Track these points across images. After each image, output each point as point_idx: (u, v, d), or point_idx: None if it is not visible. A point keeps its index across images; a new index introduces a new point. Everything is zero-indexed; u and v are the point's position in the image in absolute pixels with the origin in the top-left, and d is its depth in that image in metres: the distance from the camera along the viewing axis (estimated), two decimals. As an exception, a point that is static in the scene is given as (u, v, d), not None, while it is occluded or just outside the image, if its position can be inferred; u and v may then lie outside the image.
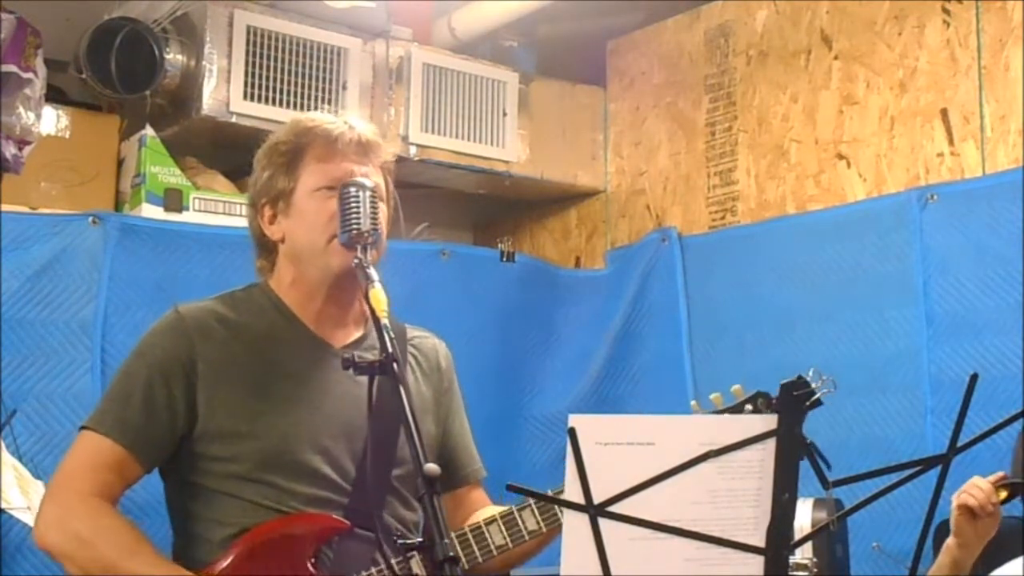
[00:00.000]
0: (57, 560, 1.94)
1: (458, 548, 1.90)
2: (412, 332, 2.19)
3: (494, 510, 2.05)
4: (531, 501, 1.96)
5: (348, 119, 2.10)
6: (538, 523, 1.96)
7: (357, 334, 2.09)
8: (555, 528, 1.96)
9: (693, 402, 2.02)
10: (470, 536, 1.95)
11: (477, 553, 1.95)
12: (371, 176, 2.03)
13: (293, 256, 2.07)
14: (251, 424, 1.96)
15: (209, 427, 1.97)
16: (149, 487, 2.07)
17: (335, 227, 1.97)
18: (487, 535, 1.95)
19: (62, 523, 1.92)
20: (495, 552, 1.95)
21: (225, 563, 1.91)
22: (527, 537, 1.96)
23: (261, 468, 1.95)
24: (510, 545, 1.96)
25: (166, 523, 2.12)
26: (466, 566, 1.94)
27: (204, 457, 1.98)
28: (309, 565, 1.91)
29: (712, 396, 1.97)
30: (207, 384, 1.98)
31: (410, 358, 2.14)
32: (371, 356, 1.82)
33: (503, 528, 1.96)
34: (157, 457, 2.00)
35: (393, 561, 1.88)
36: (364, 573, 1.93)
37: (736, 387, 1.95)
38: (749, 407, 1.92)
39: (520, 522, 1.96)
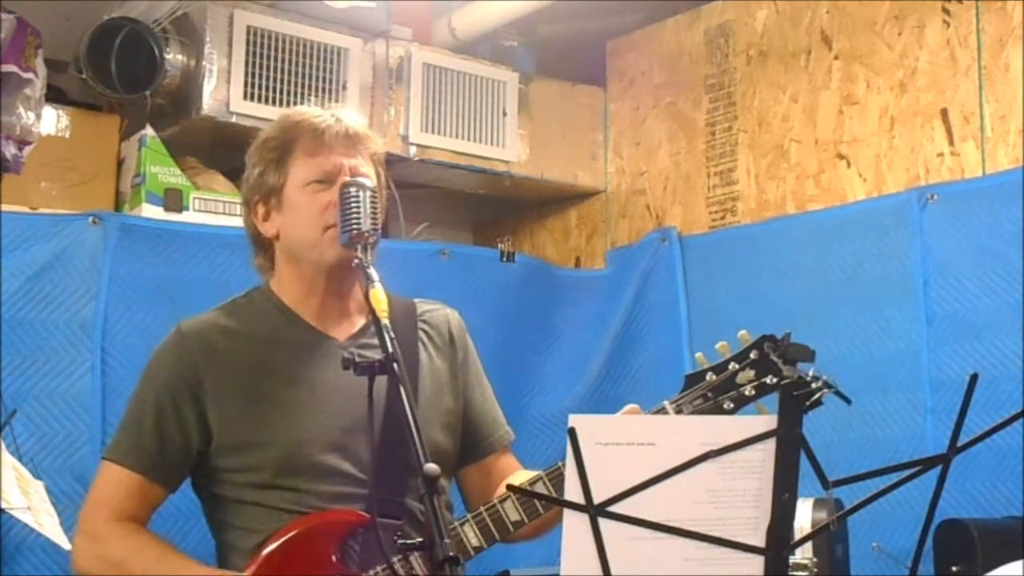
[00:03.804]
0: None
1: (477, 533, 1.93)
2: (422, 307, 2.20)
3: (525, 475, 2.06)
4: (542, 474, 1.97)
5: (336, 111, 2.10)
6: (551, 495, 1.97)
7: (360, 323, 2.10)
8: None
9: (699, 355, 2.00)
10: (486, 515, 1.96)
11: (494, 531, 1.95)
12: (360, 168, 2.04)
13: (288, 252, 2.08)
14: (264, 433, 1.98)
15: (224, 441, 2.00)
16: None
17: (327, 219, 1.99)
18: (502, 513, 1.96)
19: (94, 550, 1.99)
20: (512, 529, 1.96)
21: (252, 568, 1.94)
22: (542, 511, 1.96)
23: (280, 474, 1.97)
24: (525, 520, 1.96)
25: (179, 520, 2.14)
26: (485, 546, 1.95)
27: (224, 469, 2.01)
28: (332, 559, 1.92)
29: (718, 345, 1.97)
30: (216, 399, 2.00)
31: (421, 334, 2.15)
32: (374, 350, 1.82)
33: (517, 504, 1.96)
34: (176, 478, 2.04)
35: (396, 558, 1.89)
36: (376, 569, 1.93)
37: (743, 332, 1.94)
38: (755, 353, 1.92)
39: None
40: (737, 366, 1.93)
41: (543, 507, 1.96)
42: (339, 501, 1.96)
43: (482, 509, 1.96)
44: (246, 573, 1.93)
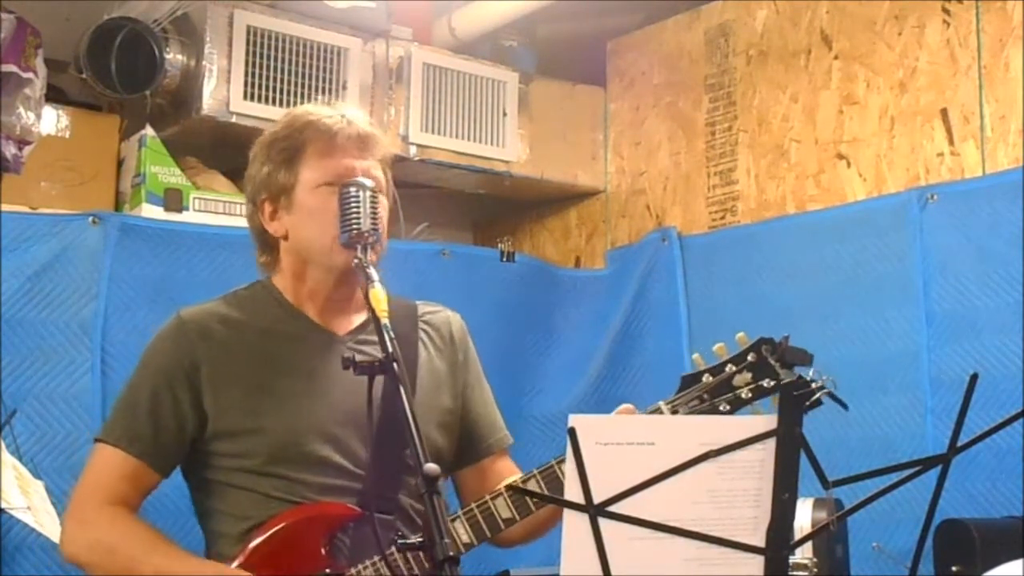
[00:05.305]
0: (85, 571, 1.99)
1: (468, 530, 1.92)
2: (424, 308, 2.21)
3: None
4: (536, 472, 1.96)
5: (345, 112, 2.10)
6: (550, 494, 1.95)
7: (361, 319, 2.11)
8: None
9: (696, 355, 1.99)
10: (477, 512, 1.95)
11: (485, 528, 1.95)
12: (372, 171, 2.05)
13: (296, 252, 2.08)
14: (259, 419, 1.98)
15: (218, 427, 2.00)
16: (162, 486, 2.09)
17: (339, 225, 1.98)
18: (494, 510, 1.95)
19: (83, 535, 1.98)
20: (503, 526, 1.95)
21: (241, 558, 1.94)
22: (533, 509, 1.95)
23: (272, 461, 1.97)
24: (517, 518, 1.96)
25: (179, 520, 2.14)
26: (476, 543, 1.94)
27: (216, 455, 2.02)
28: (322, 552, 1.92)
29: (715, 347, 1.96)
30: (212, 386, 2.00)
31: (422, 335, 2.15)
32: (373, 346, 1.82)
33: (508, 501, 1.96)
34: (170, 463, 2.04)
35: (394, 549, 1.88)
36: (366, 563, 1.93)
37: (740, 335, 1.94)
38: (752, 355, 1.91)
39: None
40: (734, 368, 1.92)
41: (535, 505, 1.95)
42: (330, 493, 1.96)
43: (473, 506, 1.96)
44: (235, 563, 1.93)
